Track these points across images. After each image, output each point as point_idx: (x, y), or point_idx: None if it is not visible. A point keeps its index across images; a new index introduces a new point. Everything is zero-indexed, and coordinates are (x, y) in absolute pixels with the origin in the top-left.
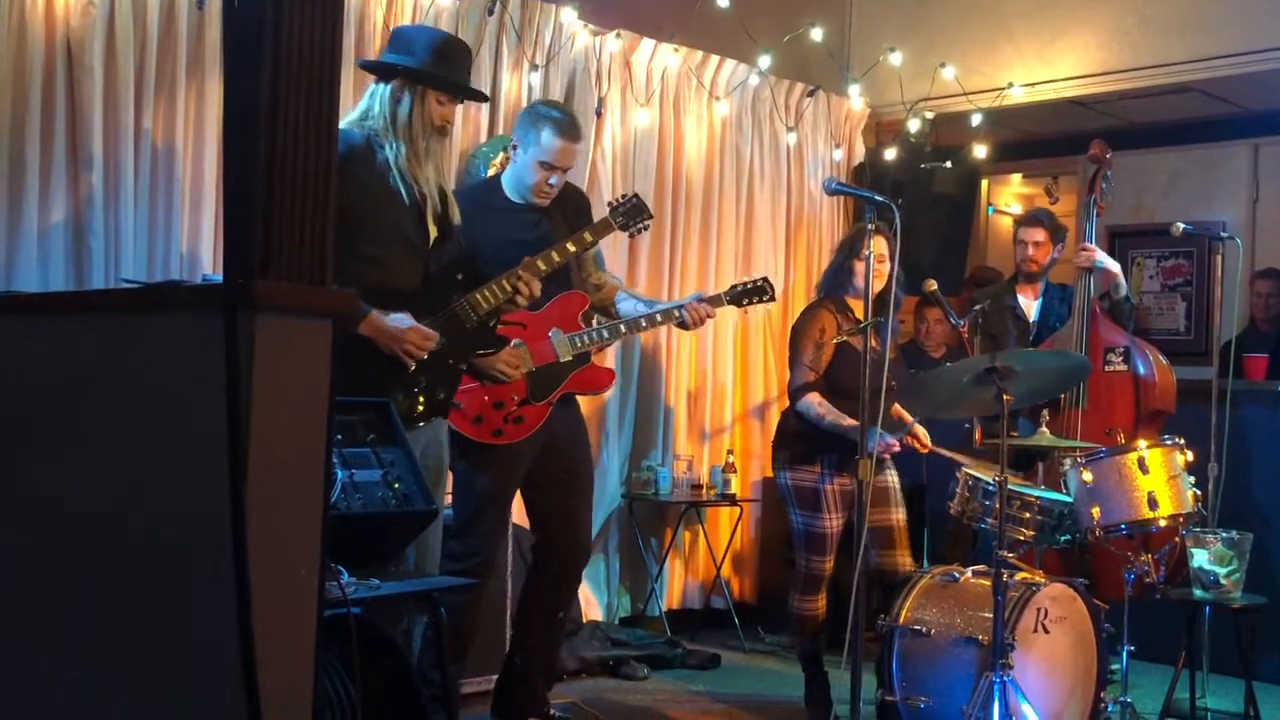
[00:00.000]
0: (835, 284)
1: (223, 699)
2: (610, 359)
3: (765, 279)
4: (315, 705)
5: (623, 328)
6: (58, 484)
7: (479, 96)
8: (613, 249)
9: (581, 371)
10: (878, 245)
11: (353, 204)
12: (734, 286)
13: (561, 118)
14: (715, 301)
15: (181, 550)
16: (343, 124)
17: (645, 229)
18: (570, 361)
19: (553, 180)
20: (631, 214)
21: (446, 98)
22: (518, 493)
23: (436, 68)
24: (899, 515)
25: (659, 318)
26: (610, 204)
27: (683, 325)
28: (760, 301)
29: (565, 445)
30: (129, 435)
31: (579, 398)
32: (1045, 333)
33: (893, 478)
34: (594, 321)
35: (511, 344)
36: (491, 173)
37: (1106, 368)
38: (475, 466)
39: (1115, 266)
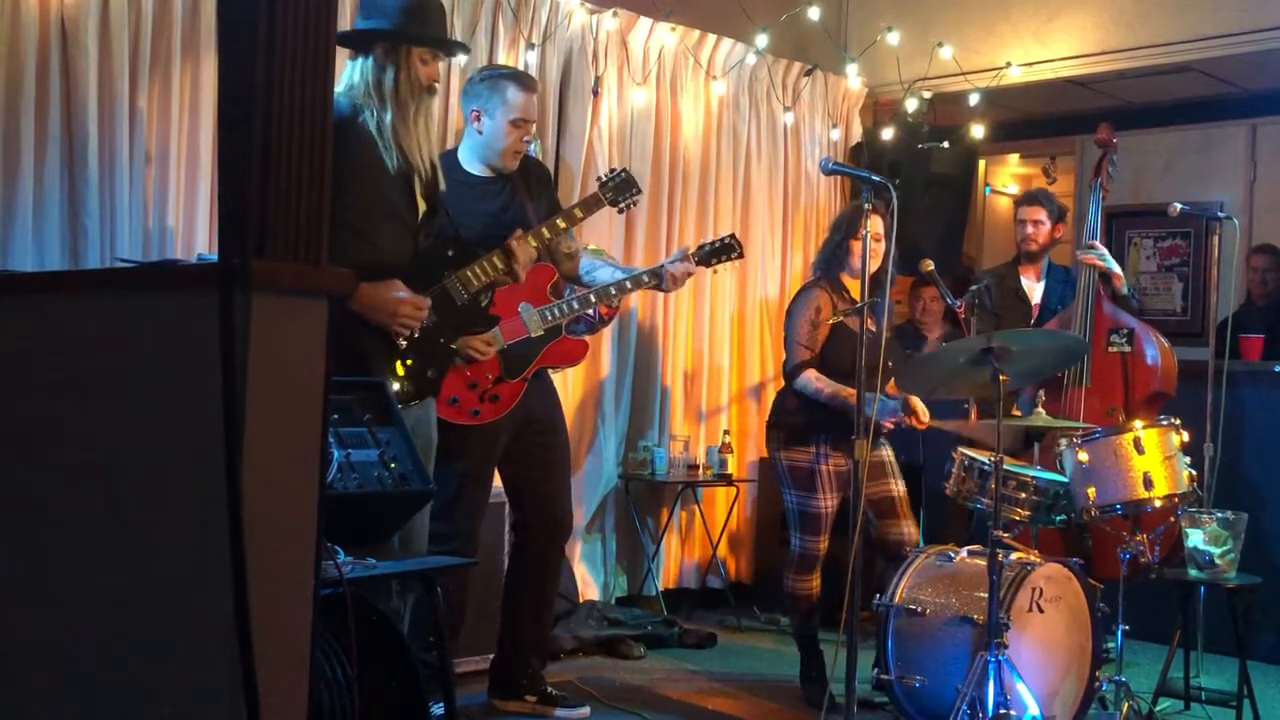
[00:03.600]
0: (831, 263)
1: (220, 678)
2: (607, 340)
3: (733, 235)
4: (312, 684)
5: (593, 297)
6: (53, 463)
7: (462, 48)
8: (609, 230)
9: (554, 345)
10: (874, 224)
11: (340, 176)
12: (702, 246)
13: (518, 73)
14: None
15: (177, 531)
16: None
17: (634, 203)
18: (542, 336)
19: (525, 138)
20: (620, 189)
21: (430, 55)
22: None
23: (415, 25)
24: (899, 486)
25: (629, 284)
26: (600, 179)
27: (659, 286)
28: (729, 259)
29: (541, 421)
30: (124, 415)
31: (573, 379)
32: (1048, 314)
33: (888, 451)
34: (564, 293)
35: None
36: None
37: (1109, 349)
38: (453, 448)
39: (1117, 268)
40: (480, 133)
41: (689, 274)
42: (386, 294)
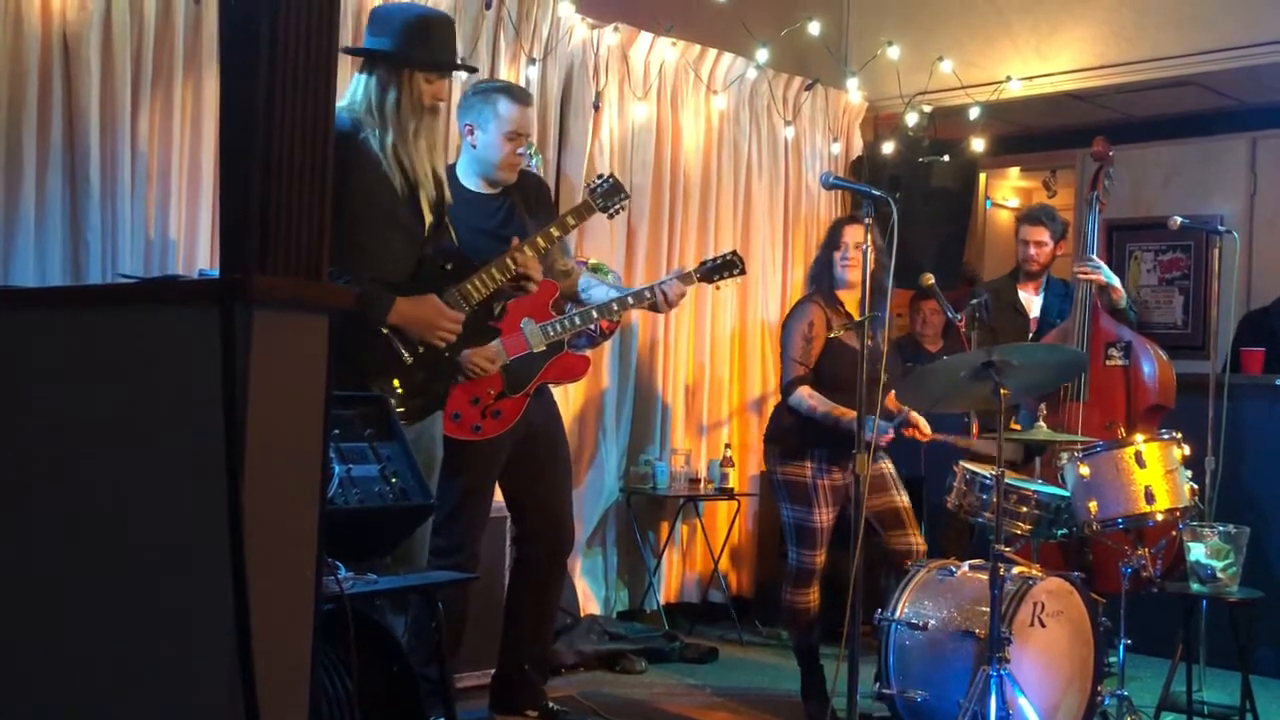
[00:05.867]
0: (821, 278)
1: (220, 693)
2: (608, 354)
3: (734, 252)
4: (313, 699)
5: (595, 313)
6: (55, 478)
7: (466, 69)
8: (610, 244)
9: (556, 360)
10: (854, 235)
11: (345, 191)
12: (704, 263)
13: (511, 86)
14: (686, 279)
15: (179, 546)
16: None
17: (623, 208)
18: (544, 351)
19: (520, 150)
20: (609, 194)
21: (435, 75)
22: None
23: (417, 48)
24: (902, 497)
25: (630, 300)
26: (589, 186)
27: (654, 308)
28: (731, 276)
29: (542, 434)
30: (126, 430)
31: (574, 392)
32: (1047, 327)
33: (888, 464)
34: (565, 309)
35: None
36: None
37: (1107, 362)
38: (455, 463)
39: (1116, 281)
40: (474, 146)
41: (683, 294)
42: (427, 308)
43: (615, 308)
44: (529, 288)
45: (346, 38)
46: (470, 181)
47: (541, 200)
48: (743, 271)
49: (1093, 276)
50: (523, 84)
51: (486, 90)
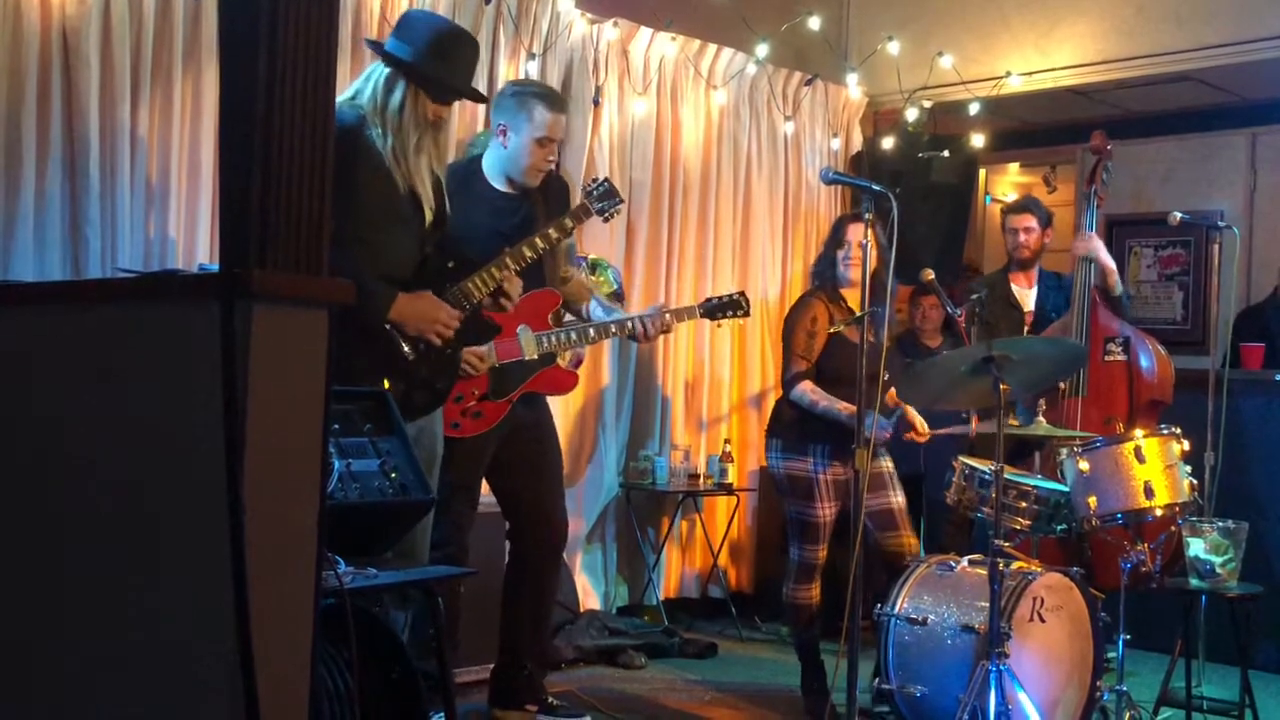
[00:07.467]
0: (824, 274)
1: (220, 689)
2: (607, 349)
3: (742, 293)
4: (313, 696)
5: (592, 332)
6: (53, 475)
7: (475, 97)
8: (610, 240)
9: (545, 372)
10: (856, 232)
11: (352, 185)
12: (709, 300)
13: (548, 92)
14: (689, 314)
15: (178, 542)
16: None
17: (617, 212)
18: (534, 361)
19: (550, 156)
20: (605, 197)
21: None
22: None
23: (435, 67)
24: (898, 498)
25: (630, 324)
26: (585, 189)
27: (633, 337)
28: (734, 316)
29: (529, 427)
30: (125, 425)
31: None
32: (1043, 321)
33: (887, 463)
34: (564, 321)
35: None
36: None
37: (1106, 357)
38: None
39: (1111, 263)
40: (505, 147)
41: (666, 330)
42: (423, 304)
43: (614, 329)
44: (504, 305)
45: (345, 35)
46: (496, 179)
47: (562, 199)
48: (747, 313)
49: (1090, 245)
50: (552, 87)
51: (523, 94)
